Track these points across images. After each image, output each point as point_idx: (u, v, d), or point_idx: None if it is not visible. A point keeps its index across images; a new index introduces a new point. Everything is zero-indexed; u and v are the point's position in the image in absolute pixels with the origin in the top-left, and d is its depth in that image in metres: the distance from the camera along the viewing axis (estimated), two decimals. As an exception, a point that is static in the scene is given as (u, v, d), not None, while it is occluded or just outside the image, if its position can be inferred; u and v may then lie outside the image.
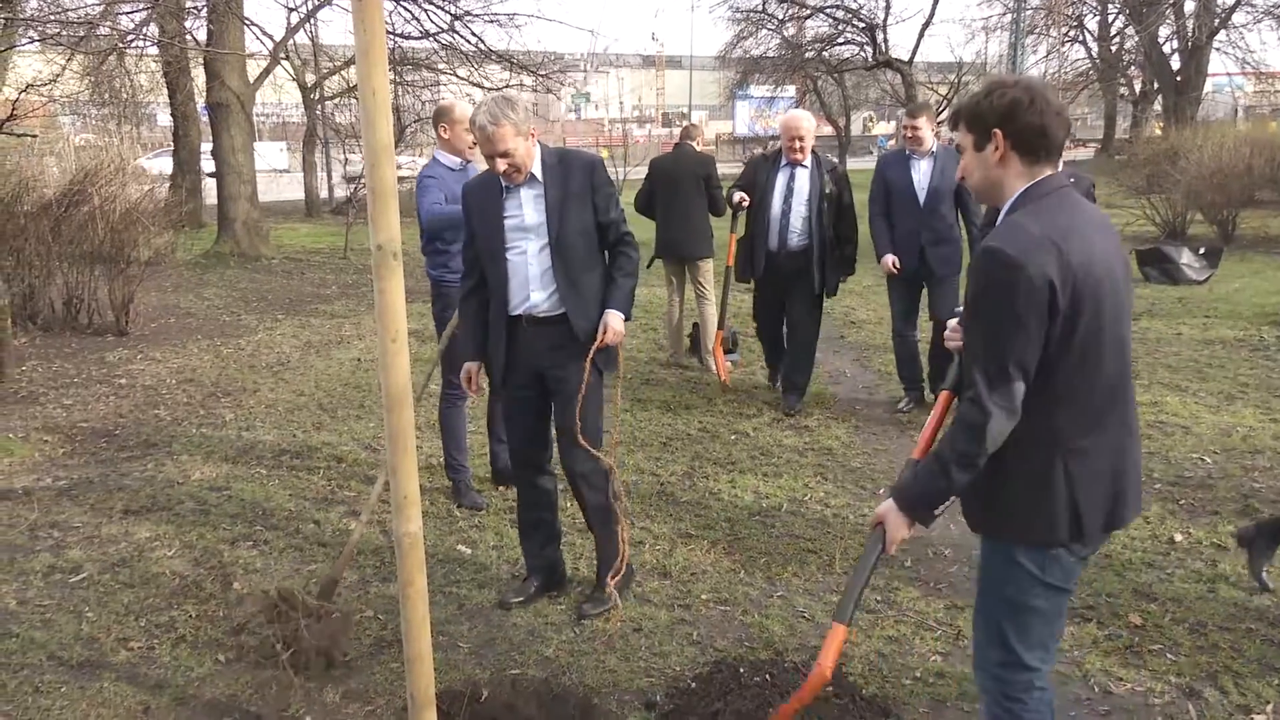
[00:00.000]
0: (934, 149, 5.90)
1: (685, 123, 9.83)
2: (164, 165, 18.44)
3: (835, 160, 6.14)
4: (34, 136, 8.12)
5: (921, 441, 2.35)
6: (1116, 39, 31.58)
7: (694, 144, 7.49)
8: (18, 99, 7.06)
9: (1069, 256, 1.97)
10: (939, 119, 21.24)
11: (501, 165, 3.29)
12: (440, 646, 3.36)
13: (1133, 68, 32.32)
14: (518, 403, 3.61)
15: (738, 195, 6.11)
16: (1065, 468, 2.07)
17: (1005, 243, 1.99)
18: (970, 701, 3.07)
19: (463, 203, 3.56)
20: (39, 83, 8.53)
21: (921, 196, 5.89)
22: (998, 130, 2.08)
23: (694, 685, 3.02)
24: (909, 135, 5.95)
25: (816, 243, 5.86)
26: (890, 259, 5.97)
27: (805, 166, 5.86)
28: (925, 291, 6.14)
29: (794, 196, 5.87)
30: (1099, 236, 2.07)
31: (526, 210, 3.40)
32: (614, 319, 3.44)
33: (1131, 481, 2.16)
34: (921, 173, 5.90)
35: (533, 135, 3.35)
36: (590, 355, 3.38)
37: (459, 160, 4.57)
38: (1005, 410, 2.00)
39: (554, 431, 3.62)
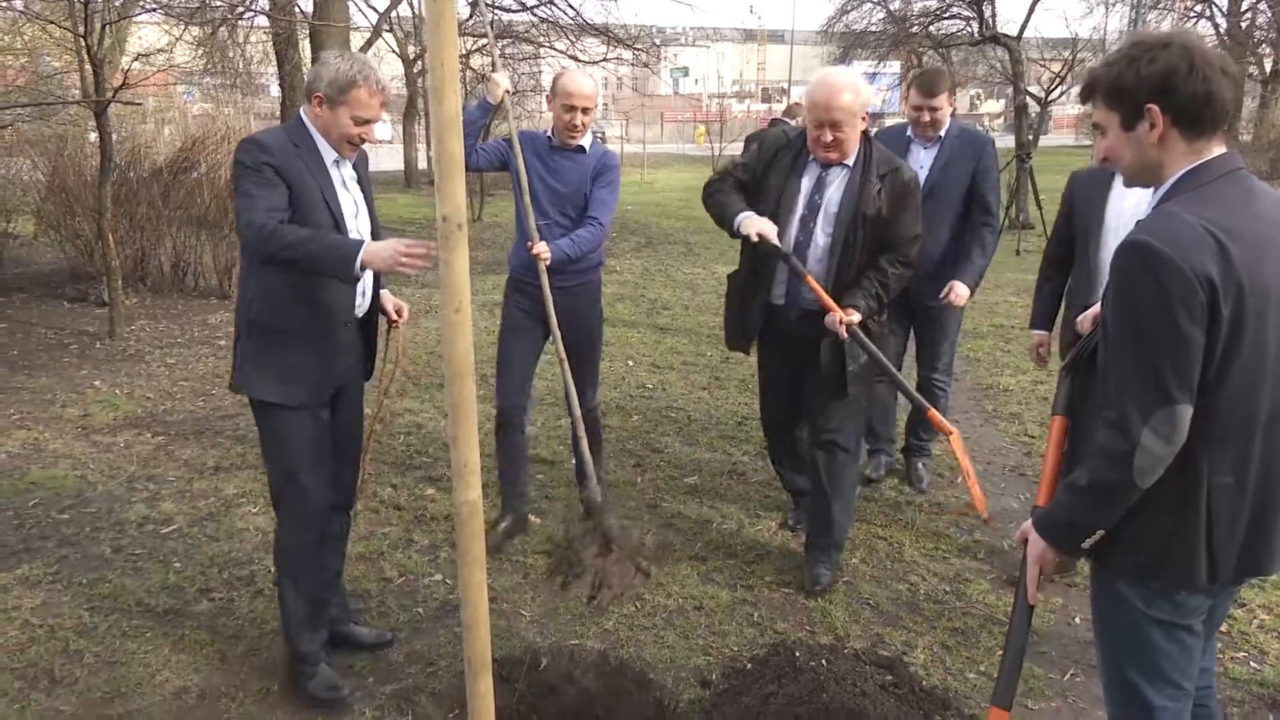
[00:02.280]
0: (941, 133, 4.35)
1: (787, 100, 9.67)
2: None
3: (898, 160, 3.59)
4: (138, 104, 8.44)
5: (1043, 483, 2.06)
6: (1248, 14, 29.84)
7: (793, 122, 7.37)
8: (128, 69, 7.36)
9: (1233, 256, 1.65)
10: (1050, 98, 20.27)
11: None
12: (503, 614, 3.43)
13: (1264, 45, 30.52)
14: (318, 430, 2.96)
15: (754, 225, 3.46)
16: (1208, 506, 1.76)
17: (1155, 234, 1.68)
18: (1036, 699, 3.00)
19: (269, 159, 2.70)
20: (151, 52, 8.88)
21: None
22: (1153, 105, 1.75)
23: (750, 667, 3.01)
24: (926, 119, 4.30)
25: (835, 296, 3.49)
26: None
27: (846, 167, 3.51)
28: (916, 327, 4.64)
29: (818, 220, 3.53)
30: None
31: (354, 190, 2.94)
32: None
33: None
34: (919, 163, 4.30)
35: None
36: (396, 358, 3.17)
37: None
38: (1162, 437, 1.69)
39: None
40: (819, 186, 3.54)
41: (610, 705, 2.95)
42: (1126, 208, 3.46)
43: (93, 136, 10.19)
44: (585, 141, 3.85)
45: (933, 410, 3.47)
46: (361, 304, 2.99)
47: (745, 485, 4.63)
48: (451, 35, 2.25)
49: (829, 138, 3.40)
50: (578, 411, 3.22)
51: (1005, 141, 13.12)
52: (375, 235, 2.99)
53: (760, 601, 3.56)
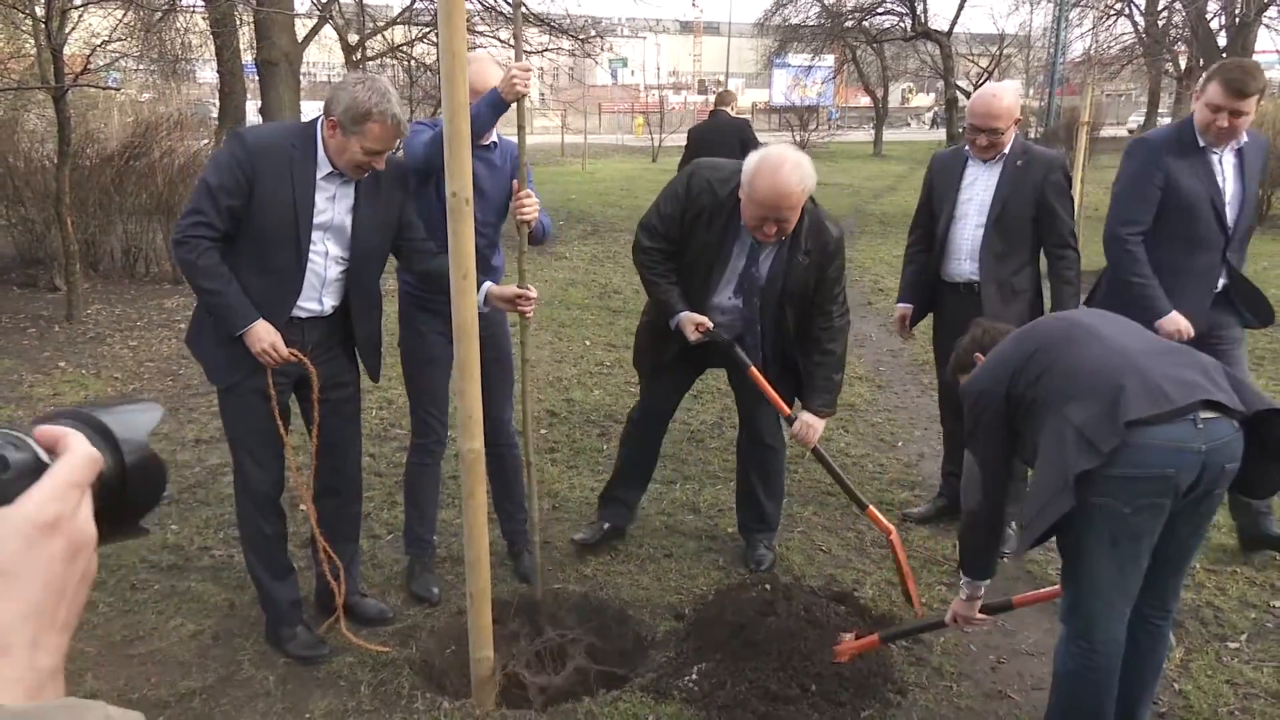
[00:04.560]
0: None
1: (720, 89, 10.01)
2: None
3: (836, 227, 3.43)
4: (118, 89, 8.47)
5: None
6: (1163, 13, 31.09)
7: (728, 109, 7.72)
8: (91, 54, 7.40)
9: (1026, 356, 2.45)
10: (972, 88, 21.01)
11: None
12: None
13: (1179, 44, 31.85)
14: (259, 411, 3.03)
15: (691, 326, 3.43)
16: (1060, 429, 2.26)
17: (969, 380, 2.70)
18: (970, 625, 3.38)
19: (241, 155, 2.79)
20: (100, 38, 8.88)
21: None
22: (978, 354, 2.77)
23: (718, 600, 3.35)
24: (1224, 125, 3.40)
25: (771, 356, 3.57)
26: None
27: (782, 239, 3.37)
28: None
29: (745, 283, 3.45)
30: None
31: (341, 209, 2.96)
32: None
33: (1139, 385, 2.19)
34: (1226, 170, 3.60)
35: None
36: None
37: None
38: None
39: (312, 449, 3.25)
40: (752, 259, 3.41)
41: (593, 640, 3.27)
42: (977, 191, 3.75)
43: (33, 123, 10.14)
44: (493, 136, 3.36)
45: (871, 508, 3.52)
46: (315, 309, 3.01)
47: (705, 451, 4.97)
48: (461, 26, 2.54)
49: (772, 230, 3.24)
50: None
51: (938, 135, 13.60)
52: (362, 251, 3.01)
53: (723, 550, 3.90)
